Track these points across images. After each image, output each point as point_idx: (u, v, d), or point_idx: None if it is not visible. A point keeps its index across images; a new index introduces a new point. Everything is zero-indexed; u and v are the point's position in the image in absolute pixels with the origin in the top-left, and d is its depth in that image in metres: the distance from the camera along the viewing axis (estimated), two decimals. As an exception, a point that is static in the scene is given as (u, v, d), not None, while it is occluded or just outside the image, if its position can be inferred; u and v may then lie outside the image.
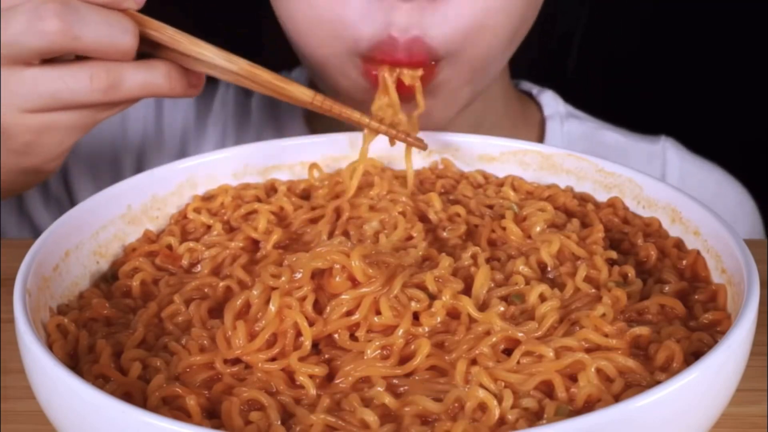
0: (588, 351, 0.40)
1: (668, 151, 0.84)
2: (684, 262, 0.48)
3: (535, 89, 0.86)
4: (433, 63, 0.61)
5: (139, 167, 0.82)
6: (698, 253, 0.48)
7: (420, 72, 0.60)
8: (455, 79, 0.63)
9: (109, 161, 0.82)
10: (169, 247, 0.52)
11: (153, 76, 0.53)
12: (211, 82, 0.86)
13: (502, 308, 0.43)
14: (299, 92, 0.54)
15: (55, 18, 0.49)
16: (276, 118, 0.84)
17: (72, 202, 0.80)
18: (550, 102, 0.85)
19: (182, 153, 0.83)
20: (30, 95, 0.52)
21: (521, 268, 0.46)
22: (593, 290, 0.45)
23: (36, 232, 0.49)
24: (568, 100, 0.86)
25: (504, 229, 0.51)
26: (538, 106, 0.85)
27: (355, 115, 0.56)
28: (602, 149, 0.83)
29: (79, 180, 0.81)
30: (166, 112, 0.83)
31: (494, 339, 0.41)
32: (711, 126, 1.12)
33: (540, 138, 0.83)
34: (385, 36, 0.59)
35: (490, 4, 0.60)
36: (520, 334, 0.41)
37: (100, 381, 0.40)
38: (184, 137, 0.83)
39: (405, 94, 0.60)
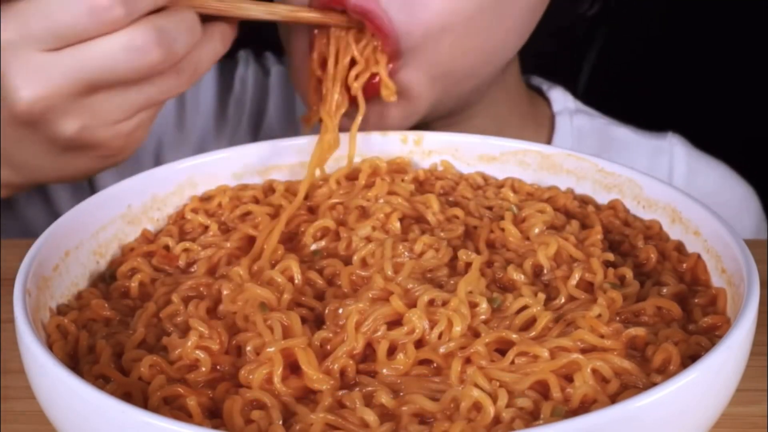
0: (583, 351, 0.40)
1: (675, 147, 0.84)
2: (684, 265, 0.48)
3: (545, 85, 0.87)
4: (391, 64, 0.60)
5: (160, 150, 0.82)
6: (699, 256, 0.48)
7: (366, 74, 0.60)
8: (415, 81, 0.62)
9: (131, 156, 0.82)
10: (167, 247, 0.52)
11: (214, 45, 0.55)
12: (230, 59, 0.87)
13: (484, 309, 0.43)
14: (336, 19, 0.58)
15: (158, 48, 0.50)
16: (291, 116, 0.85)
17: (93, 188, 0.80)
18: (560, 98, 0.85)
19: (202, 137, 0.83)
20: (123, 108, 0.53)
21: (514, 274, 0.46)
22: (584, 295, 0.45)
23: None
24: (576, 97, 0.86)
25: (503, 230, 0.51)
26: (548, 102, 0.85)
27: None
28: (611, 144, 0.84)
29: (101, 175, 0.81)
30: (188, 92, 0.83)
31: (487, 339, 0.41)
32: (717, 124, 1.12)
33: (550, 133, 0.84)
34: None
35: (460, 6, 0.60)
36: (514, 336, 0.41)
37: (100, 381, 0.40)
38: (203, 130, 0.84)
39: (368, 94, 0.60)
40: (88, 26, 0.49)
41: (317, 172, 0.59)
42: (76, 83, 0.50)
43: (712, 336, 0.42)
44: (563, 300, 0.45)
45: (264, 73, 0.87)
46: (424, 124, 0.67)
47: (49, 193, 0.81)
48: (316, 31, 0.61)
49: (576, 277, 0.46)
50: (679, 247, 0.50)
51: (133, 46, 0.49)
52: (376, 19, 0.59)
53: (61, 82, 0.50)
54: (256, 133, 0.85)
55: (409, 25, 0.59)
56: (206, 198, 0.57)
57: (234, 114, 0.85)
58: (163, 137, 0.83)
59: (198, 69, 0.55)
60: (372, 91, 0.60)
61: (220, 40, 0.56)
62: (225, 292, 0.46)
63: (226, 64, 0.86)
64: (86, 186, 0.81)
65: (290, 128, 0.84)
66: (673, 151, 0.84)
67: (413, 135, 0.61)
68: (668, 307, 0.44)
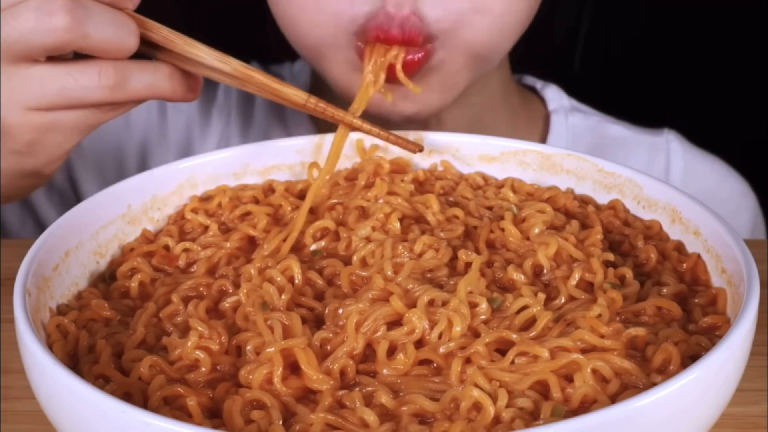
0: (583, 351, 0.40)
1: (672, 144, 0.84)
2: (684, 265, 0.48)
3: (539, 84, 0.87)
4: (428, 45, 0.62)
5: (143, 161, 0.82)
6: (699, 256, 0.48)
7: (401, 54, 0.61)
8: (450, 62, 0.64)
9: (114, 155, 0.82)
10: (166, 247, 0.52)
11: (157, 77, 0.53)
12: None
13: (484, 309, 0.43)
14: (293, 94, 0.54)
15: (65, 14, 0.49)
16: (280, 109, 0.85)
17: (77, 197, 0.80)
18: (554, 96, 0.85)
19: (187, 145, 0.83)
20: (36, 92, 0.52)
21: (513, 274, 0.46)
22: (584, 295, 0.45)
23: (40, 228, 0.50)
24: (571, 95, 0.86)
25: (503, 230, 0.51)
26: (543, 101, 0.85)
27: (348, 118, 0.56)
28: (607, 142, 0.84)
29: (84, 174, 0.81)
30: (169, 105, 0.83)
31: (488, 339, 0.41)
32: (713, 121, 1.12)
33: (544, 132, 0.84)
34: (381, 11, 0.61)
35: None
36: (514, 336, 0.41)
37: (100, 381, 0.40)
38: (188, 129, 0.84)
39: (394, 78, 0.61)
40: None
41: (315, 173, 0.59)
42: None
43: (712, 336, 0.42)
44: (563, 300, 0.45)
45: None
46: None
47: (34, 204, 0.81)
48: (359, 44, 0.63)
49: (576, 277, 0.46)
50: (679, 247, 0.50)
51: (45, 10, 0.48)
52: (415, 35, 0.62)
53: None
54: (243, 141, 0.85)
55: (440, 15, 0.62)
56: (206, 198, 0.57)
57: (218, 122, 0.84)
58: (147, 145, 0.83)
59: (126, 84, 0.52)
60: (410, 69, 0.62)
61: (166, 78, 0.53)
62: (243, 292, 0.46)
63: None
64: (71, 193, 0.81)
65: (280, 136, 0.84)
66: (669, 148, 0.84)
67: (413, 136, 0.61)
68: (668, 307, 0.44)
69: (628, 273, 0.47)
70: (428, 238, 0.49)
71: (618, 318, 0.43)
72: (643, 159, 0.83)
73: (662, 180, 0.54)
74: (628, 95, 1.08)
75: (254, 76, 0.54)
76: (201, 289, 0.48)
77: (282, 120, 0.84)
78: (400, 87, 0.63)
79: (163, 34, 0.53)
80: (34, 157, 0.54)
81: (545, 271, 0.47)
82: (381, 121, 0.60)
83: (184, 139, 0.83)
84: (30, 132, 0.53)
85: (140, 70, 0.52)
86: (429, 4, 0.61)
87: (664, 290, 0.46)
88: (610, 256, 0.48)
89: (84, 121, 0.54)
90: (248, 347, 0.41)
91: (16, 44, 0.50)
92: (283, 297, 0.45)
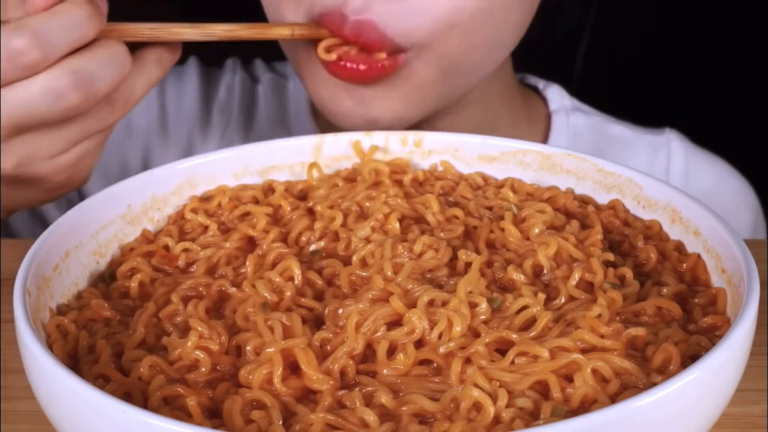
0: (583, 351, 0.40)
1: (673, 143, 0.84)
2: (684, 265, 0.48)
3: (540, 83, 0.87)
4: (399, 54, 0.61)
5: (146, 164, 0.83)
6: (699, 256, 0.48)
7: (353, 51, 0.61)
8: (424, 73, 0.63)
9: (117, 158, 0.82)
10: (166, 247, 0.52)
11: (149, 71, 0.55)
12: (218, 65, 0.86)
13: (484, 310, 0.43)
14: (278, 31, 0.59)
15: (76, 92, 0.50)
16: (282, 109, 0.85)
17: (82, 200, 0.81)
18: (556, 96, 0.85)
19: (189, 142, 0.83)
20: (55, 143, 0.53)
21: (513, 274, 0.46)
22: (584, 295, 0.45)
23: (44, 229, 0.52)
24: (573, 95, 0.86)
25: (503, 230, 0.51)
26: (544, 101, 0.85)
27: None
28: (608, 142, 0.84)
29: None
30: (169, 101, 0.83)
31: (487, 339, 0.41)
32: (714, 121, 1.12)
33: (546, 132, 0.84)
34: (336, 9, 0.60)
35: (464, 4, 0.60)
36: (515, 336, 0.41)
37: (100, 381, 0.40)
38: (190, 126, 0.84)
39: (346, 77, 0.62)
40: (7, 71, 0.49)
41: (315, 174, 0.59)
42: (2, 126, 0.51)
43: (712, 336, 0.42)
44: (563, 300, 0.45)
45: (252, 80, 0.87)
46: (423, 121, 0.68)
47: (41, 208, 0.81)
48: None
49: (576, 277, 0.46)
50: (679, 247, 0.50)
51: (51, 91, 0.49)
52: (371, 40, 0.60)
53: None
54: (244, 141, 0.85)
55: (410, 31, 0.60)
56: (206, 198, 0.57)
57: (219, 121, 0.84)
58: (149, 145, 0.83)
59: (132, 97, 0.54)
60: (375, 74, 0.62)
61: (155, 65, 0.55)
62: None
63: (212, 71, 0.86)
64: (76, 197, 0.82)
65: (281, 135, 0.84)
66: (670, 147, 0.84)
67: (413, 135, 0.61)
68: (668, 307, 0.44)
69: (628, 273, 0.47)
70: (428, 239, 0.49)
71: (618, 318, 0.43)
72: (644, 158, 0.84)
73: (662, 180, 0.54)
74: (629, 95, 1.09)
75: (239, 33, 0.58)
76: (201, 289, 0.48)
77: (284, 121, 0.84)
78: (358, 89, 0.62)
79: (146, 33, 0.55)
80: (74, 184, 0.57)
81: (545, 271, 0.47)
82: (348, 128, 0.61)
83: (186, 129, 0.83)
84: (64, 172, 0.55)
85: (136, 77, 0.54)
86: (397, 14, 0.60)
87: (664, 290, 0.46)
88: (610, 256, 0.48)
89: (103, 136, 0.56)
90: (248, 347, 0.41)
91: (29, 123, 0.51)
92: (287, 294, 0.45)
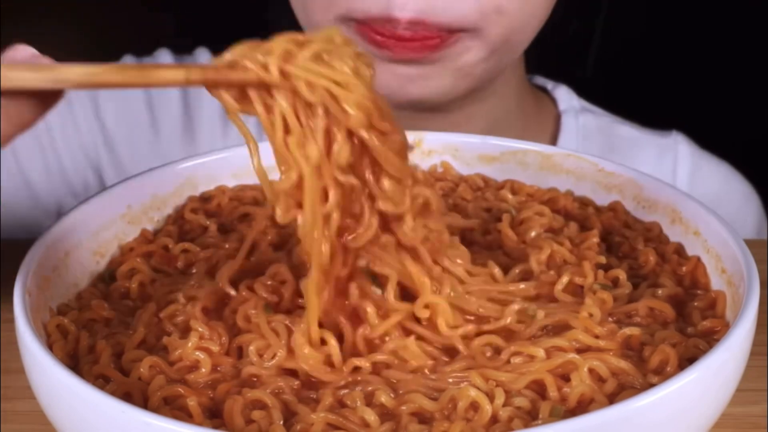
0: (578, 352, 0.40)
1: (680, 145, 0.85)
2: (684, 268, 0.48)
3: (549, 84, 0.87)
4: (452, 34, 0.62)
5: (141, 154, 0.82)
6: (699, 259, 0.48)
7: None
8: (473, 53, 0.65)
9: (148, 159, 0.81)
10: (166, 247, 0.52)
11: None
12: (189, 55, 0.86)
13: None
14: (170, 75, 0.38)
15: None
16: None
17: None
18: (565, 97, 0.85)
19: (210, 140, 0.83)
20: None
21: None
22: (570, 298, 0.45)
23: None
24: (580, 96, 0.87)
25: (500, 232, 0.51)
26: (553, 101, 0.86)
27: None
28: (617, 142, 0.84)
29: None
30: (192, 98, 0.82)
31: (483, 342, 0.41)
32: (717, 123, 1.12)
33: (555, 132, 0.84)
34: (383, 14, 0.60)
35: None
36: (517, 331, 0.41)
37: (100, 381, 0.40)
38: (212, 125, 0.83)
39: (399, 53, 0.61)
40: None
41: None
42: None
43: (711, 339, 0.42)
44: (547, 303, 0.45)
45: None
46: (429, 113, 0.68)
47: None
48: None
49: (563, 281, 0.46)
50: (679, 250, 0.50)
51: None
52: (426, 37, 0.61)
53: None
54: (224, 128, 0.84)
55: (458, 17, 0.61)
56: (206, 198, 0.57)
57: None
58: (139, 142, 0.82)
59: None
60: (427, 50, 0.62)
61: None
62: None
63: (183, 60, 0.85)
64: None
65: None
66: (677, 149, 0.85)
67: (413, 136, 0.61)
68: (660, 308, 0.44)
69: (622, 275, 0.46)
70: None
71: (611, 319, 0.43)
72: (652, 160, 0.84)
73: (662, 180, 0.54)
74: (632, 97, 1.09)
75: (107, 77, 0.38)
76: (200, 289, 0.47)
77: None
78: (407, 69, 0.62)
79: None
80: None
81: (534, 275, 0.47)
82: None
83: (208, 140, 0.83)
84: None
85: None
86: (442, 7, 0.61)
87: (659, 291, 0.46)
88: (602, 260, 0.48)
89: None
90: (251, 348, 0.41)
91: None
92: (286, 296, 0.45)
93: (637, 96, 1.16)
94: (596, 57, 1.17)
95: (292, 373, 0.40)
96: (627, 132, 0.86)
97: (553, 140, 0.83)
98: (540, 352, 0.40)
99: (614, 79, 1.24)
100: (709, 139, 0.87)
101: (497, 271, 0.46)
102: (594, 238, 0.50)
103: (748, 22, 1.20)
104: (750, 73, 1.20)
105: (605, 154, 0.57)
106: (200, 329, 0.42)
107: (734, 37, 1.21)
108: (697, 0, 1.22)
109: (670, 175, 0.83)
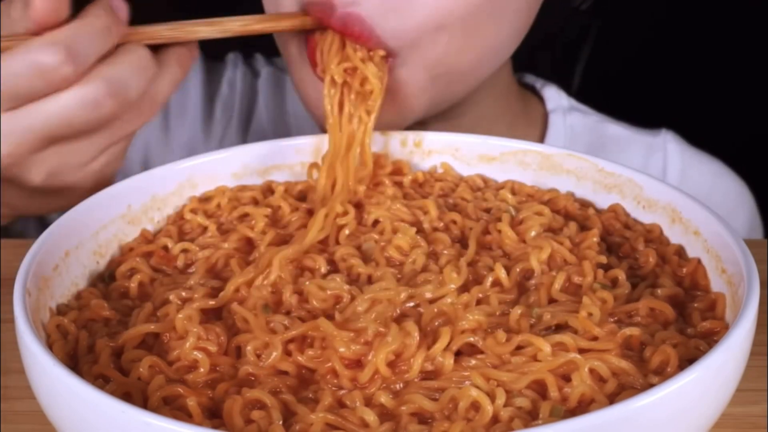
0: (579, 351, 0.40)
1: (669, 144, 0.85)
2: (684, 269, 0.48)
3: (538, 83, 0.87)
4: (387, 57, 0.60)
5: (147, 157, 0.82)
6: (699, 261, 0.48)
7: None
8: (412, 80, 0.62)
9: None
10: (165, 247, 0.52)
11: (172, 72, 0.56)
12: (218, 61, 0.87)
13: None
14: (288, 23, 0.59)
15: (112, 100, 0.51)
16: (282, 98, 0.85)
17: None
18: (554, 96, 0.85)
19: (190, 138, 0.83)
20: (86, 151, 0.55)
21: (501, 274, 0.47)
22: (567, 298, 0.45)
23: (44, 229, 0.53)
24: (570, 95, 0.86)
25: (499, 232, 0.51)
26: (541, 100, 0.85)
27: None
28: (605, 141, 0.84)
29: None
30: (172, 97, 0.83)
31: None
32: (708, 121, 1.12)
33: (543, 131, 0.83)
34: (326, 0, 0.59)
35: (454, 5, 0.59)
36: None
37: (100, 381, 0.40)
38: (192, 122, 0.84)
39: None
40: (40, 86, 0.50)
41: (315, 174, 0.59)
42: (35, 139, 0.52)
43: (711, 341, 0.42)
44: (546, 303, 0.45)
45: (253, 74, 0.87)
46: (418, 123, 0.67)
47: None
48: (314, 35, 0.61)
49: (560, 281, 0.46)
50: (680, 251, 0.50)
51: (87, 101, 0.51)
52: (357, 32, 0.59)
53: (20, 140, 0.52)
54: (245, 135, 0.85)
55: (397, 29, 0.59)
56: (205, 199, 0.57)
57: (222, 116, 0.85)
58: (150, 143, 0.83)
59: (157, 99, 0.56)
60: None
61: (177, 66, 0.56)
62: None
63: (214, 66, 0.86)
64: None
65: (280, 128, 0.84)
66: (666, 148, 0.84)
67: (413, 136, 0.61)
68: (661, 308, 0.44)
69: (621, 275, 0.46)
70: (409, 239, 0.50)
71: (611, 319, 0.43)
72: (641, 158, 0.84)
73: (662, 180, 0.54)
74: (625, 96, 1.09)
75: (254, 28, 0.58)
76: (199, 289, 0.47)
77: (283, 115, 0.84)
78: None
79: (165, 35, 0.55)
80: (100, 187, 0.56)
81: (535, 274, 0.47)
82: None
83: (187, 143, 0.83)
84: (92, 177, 0.57)
85: (161, 79, 0.55)
86: (381, 13, 0.59)
87: (659, 291, 0.46)
88: (603, 259, 0.48)
89: (129, 140, 0.57)
90: (248, 348, 0.41)
91: (64, 134, 0.52)
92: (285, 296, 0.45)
93: (629, 95, 1.16)
94: (589, 57, 1.17)
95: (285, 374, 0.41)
96: (616, 131, 0.85)
97: (541, 139, 0.83)
98: (546, 347, 0.40)
99: (608, 78, 1.24)
100: (701, 138, 0.87)
101: (503, 274, 0.46)
102: (594, 238, 0.50)
103: (742, 20, 1.20)
104: (743, 71, 1.20)
105: (593, 153, 0.56)
106: (195, 330, 0.42)
107: (727, 35, 1.21)
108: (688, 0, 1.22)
109: (660, 174, 0.83)
